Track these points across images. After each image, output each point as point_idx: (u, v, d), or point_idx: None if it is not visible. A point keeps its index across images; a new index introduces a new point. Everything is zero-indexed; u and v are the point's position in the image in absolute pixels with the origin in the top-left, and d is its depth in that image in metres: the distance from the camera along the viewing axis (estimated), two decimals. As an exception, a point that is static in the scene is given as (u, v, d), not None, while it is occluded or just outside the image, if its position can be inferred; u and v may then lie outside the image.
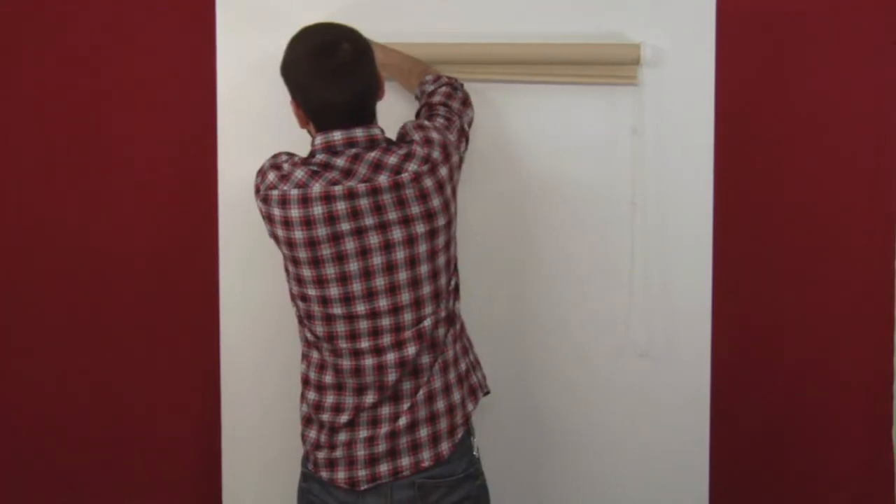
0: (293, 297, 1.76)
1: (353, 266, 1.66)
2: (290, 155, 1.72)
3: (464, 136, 1.83)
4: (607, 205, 2.08)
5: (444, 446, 1.72)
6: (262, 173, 1.70)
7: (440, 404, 1.72)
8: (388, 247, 1.66)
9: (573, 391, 2.11)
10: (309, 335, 1.76)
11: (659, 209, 2.08)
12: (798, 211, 2.32)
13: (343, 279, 1.66)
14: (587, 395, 2.11)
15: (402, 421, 1.71)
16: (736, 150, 2.23)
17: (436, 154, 1.68)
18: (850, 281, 2.34)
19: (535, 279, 2.13)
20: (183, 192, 2.29)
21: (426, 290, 1.69)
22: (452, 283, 1.77)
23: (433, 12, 2.06)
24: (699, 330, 2.11)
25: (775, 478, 2.39)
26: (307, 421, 1.80)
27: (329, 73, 1.65)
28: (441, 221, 1.68)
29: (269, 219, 1.68)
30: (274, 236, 1.70)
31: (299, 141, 2.10)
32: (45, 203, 2.31)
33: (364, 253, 1.65)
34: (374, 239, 1.65)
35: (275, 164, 1.70)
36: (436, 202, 1.67)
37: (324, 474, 1.75)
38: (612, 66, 2.04)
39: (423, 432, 1.72)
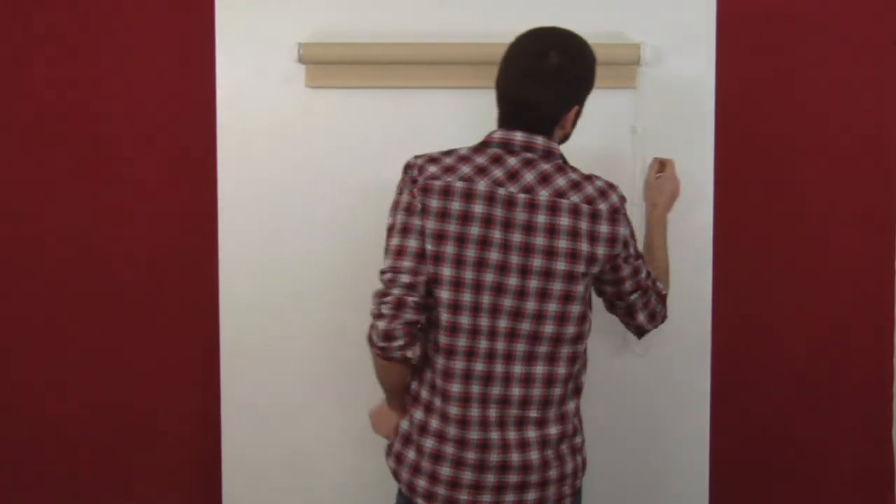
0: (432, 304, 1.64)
1: (489, 277, 1.59)
2: (444, 152, 1.66)
3: (631, 288, 1.72)
4: (607, 205, 2.08)
5: None
6: (415, 166, 1.64)
7: (553, 472, 1.66)
8: (524, 271, 1.59)
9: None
10: (430, 347, 1.66)
11: (659, 209, 2.07)
12: (798, 211, 2.32)
13: (478, 288, 1.60)
14: (587, 394, 2.10)
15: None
16: (736, 150, 2.23)
17: (602, 206, 1.62)
18: (850, 281, 2.34)
19: (535, 279, 2.13)
20: (183, 193, 2.29)
21: (548, 329, 1.62)
22: (581, 347, 1.67)
23: (432, 13, 2.06)
24: (699, 329, 2.11)
25: (775, 477, 2.39)
26: (405, 440, 1.70)
27: (536, 70, 1.61)
28: (581, 269, 1.60)
29: (423, 210, 1.60)
30: (420, 231, 1.61)
31: (299, 141, 2.10)
32: (46, 204, 2.31)
33: (503, 269, 1.59)
34: (515, 258, 1.59)
35: (432, 157, 1.65)
36: (583, 247, 1.60)
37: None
38: (611, 66, 2.04)
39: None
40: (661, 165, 2.00)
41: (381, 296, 1.62)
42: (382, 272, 1.63)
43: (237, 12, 2.07)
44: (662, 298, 1.79)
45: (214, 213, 2.11)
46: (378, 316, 1.61)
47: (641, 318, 1.76)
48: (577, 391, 1.71)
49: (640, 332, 1.81)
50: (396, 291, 1.60)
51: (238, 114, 2.08)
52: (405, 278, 1.60)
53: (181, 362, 2.34)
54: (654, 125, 2.07)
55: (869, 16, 2.28)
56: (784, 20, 2.27)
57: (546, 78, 1.62)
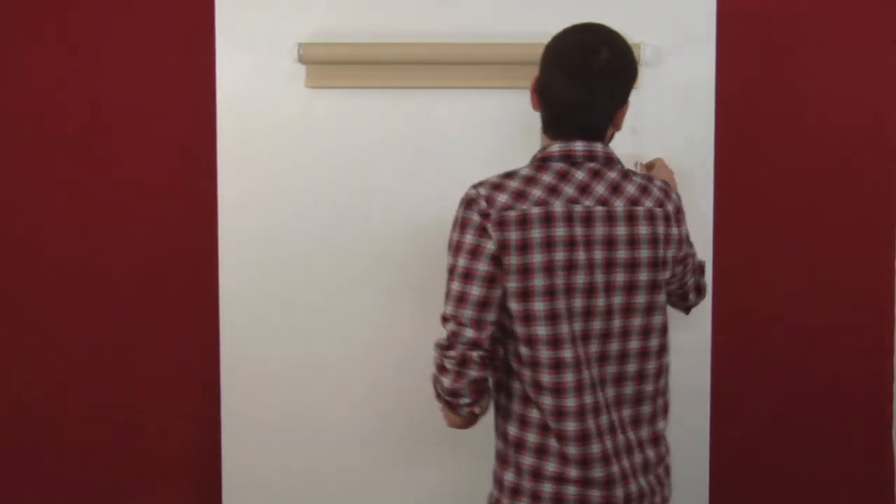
0: (509, 341, 1.56)
1: (578, 302, 1.51)
2: (504, 175, 1.56)
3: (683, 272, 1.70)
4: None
5: None
6: (481, 199, 1.52)
7: (657, 498, 1.61)
8: (608, 289, 1.52)
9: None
10: (530, 388, 1.55)
11: (659, 209, 2.07)
12: (798, 211, 2.32)
13: (570, 316, 1.51)
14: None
15: None
16: (736, 150, 2.23)
17: (670, 208, 1.59)
18: (850, 281, 2.34)
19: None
20: (183, 193, 2.29)
21: (633, 345, 1.56)
22: (666, 361, 1.61)
23: (432, 13, 2.06)
24: (699, 329, 2.11)
25: (775, 477, 2.39)
26: (514, 492, 1.58)
27: (588, 69, 1.53)
28: (662, 276, 1.56)
29: (501, 245, 1.50)
30: (505, 267, 1.50)
31: (299, 141, 2.10)
32: (46, 204, 2.31)
33: (590, 291, 1.51)
34: (599, 277, 1.51)
35: (495, 184, 1.53)
36: (661, 253, 1.55)
37: None
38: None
39: None
40: (650, 167, 2.00)
41: (443, 349, 1.55)
42: (444, 319, 1.55)
43: (237, 12, 2.07)
44: (703, 269, 1.82)
45: (214, 213, 2.11)
46: (442, 370, 1.55)
47: (692, 297, 1.78)
48: (666, 409, 1.64)
49: (689, 309, 1.83)
50: (460, 348, 1.52)
51: (238, 114, 2.08)
52: (468, 333, 1.51)
53: (181, 362, 2.34)
54: (654, 125, 2.07)
55: (869, 16, 2.28)
56: (784, 20, 2.27)
57: (599, 76, 1.53)
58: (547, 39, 2.05)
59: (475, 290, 1.51)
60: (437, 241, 2.12)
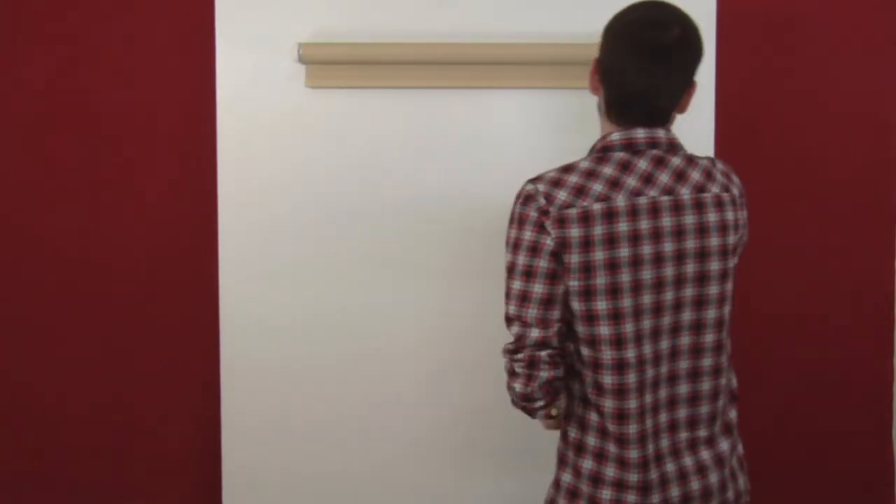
0: (574, 342, 1.51)
1: (647, 299, 1.45)
2: (562, 170, 1.49)
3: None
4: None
5: None
6: (539, 195, 1.46)
7: (730, 493, 1.56)
8: (679, 281, 1.46)
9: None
10: (590, 390, 1.50)
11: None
12: (798, 210, 2.32)
13: (637, 314, 1.45)
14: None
15: None
16: (736, 150, 2.23)
17: (735, 191, 1.53)
18: (850, 281, 2.34)
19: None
20: (183, 192, 2.29)
21: (708, 339, 1.50)
22: (725, 360, 1.56)
23: (432, 13, 2.06)
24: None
25: (775, 476, 2.39)
26: (572, 495, 1.54)
27: (659, 47, 1.44)
28: (732, 263, 1.50)
29: (561, 243, 1.44)
30: (566, 265, 1.45)
31: (299, 141, 2.10)
32: (45, 204, 2.31)
33: (659, 286, 1.45)
34: (669, 270, 1.45)
35: (554, 180, 1.47)
36: (731, 240, 1.49)
37: None
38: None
39: None
40: None
41: (511, 353, 1.50)
42: (508, 320, 1.50)
43: (237, 12, 2.07)
44: None
45: (214, 213, 2.11)
46: (512, 375, 1.51)
47: None
48: (734, 398, 1.60)
49: None
50: (528, 350, 1.47)
51: (238, 114, 2.08)
52: (535, 332, 1.47)
53: (181, 362, 2.34)
54: (654, 125, 2.07)
55: (869, 16, 2.28)
56: (784, 20, 2.27)
57: (672, 54, 1.45)
58: (547, 39, 2.06)
59: (538, 288, 1.46)
60: (437, 240, 2.13)
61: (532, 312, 1.46)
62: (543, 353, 1.47)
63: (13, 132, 2.30)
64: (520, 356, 1.48)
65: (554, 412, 1.53)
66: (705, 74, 2.07)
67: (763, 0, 2.26)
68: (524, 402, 1.51)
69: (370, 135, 2.10)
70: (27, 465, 2.37)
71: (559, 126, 2.08)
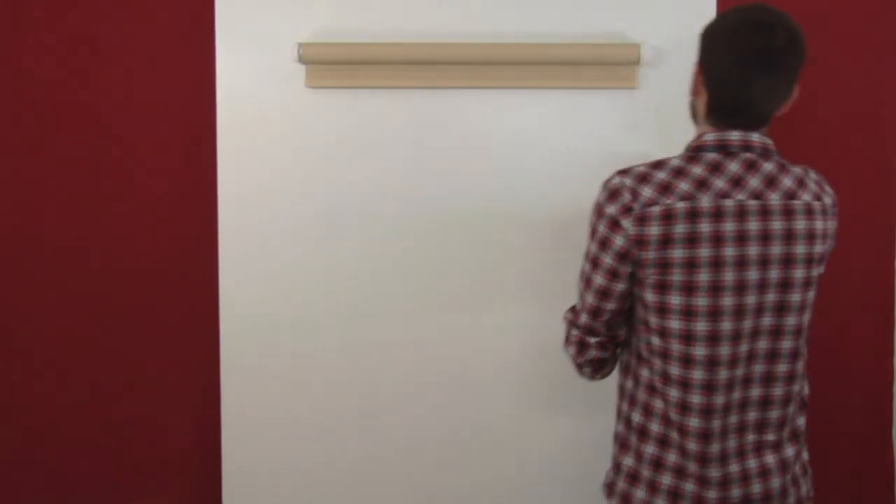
0: (641, 329, 1.53)
1: (728, 300, 1.45)
2: (652, 165, 1.49)
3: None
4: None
5: None
6: (625, 190, 1.47)
7: (791, 499, 1.56)
8: (762, 286, 1.46)
9: (576, 391, 2.10)
10: (657, 379, 1.52)
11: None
12: (798, 211, 2.32)
13: (715, 315, 1.45)
14: (592, 396, 2.11)
15: None
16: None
17: (828, 201, 1.52)
18: (850, 281, 2.34)
19: (535, 278, 2.13)
20: (183, 192, 2.29)
21: (786, 345, 1.49)
22: (801, 367, 1.54)
23: (432, 13, 2.06)
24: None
25: (775, 478, 2.38)
26: (632, 478, 1.56)
27: (767, 52, 1.44)
28: (816, 272, 1.50)
29: (637, 241, 1.46)
30: (641, 262, 1.47)
31: (299, 141, 2.10)
32: (45, 204, 2.31)
33: (741, 289, 1.45)
34: (753, 274, 1.45)
35: (641, 175, 1.47)
36: (818, 249, 1.49)
37: None
38: (611, 66, 2.04)
39: None
40: None
41: (569, 322, 1.61)
42: (579, 295, 1.58)
43: (237, 12, 2.07)
44: None
45: (214, 213, 2.11)
46: (567, 341, 1.62)
47: None
48: (804, 405, 1.59)
49: None
50: (578, 331, 1.58)
51: (238, 114, 2.09)
52: (584, 319, 1.56)
53: (181, 362, 2.34)
54: (654, 125, 2.07)
55: (869, 16, 2.28)
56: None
57: (778, 58, 1.44)
58: (547, 39, 2.06)
59: (598, 279, 1.52)
60: (437, 240, 2.13)
61: (589, 299, 1.54)
62: (592, 340, 1.57)
63: (13, 132, 2.30)
64: (573, 332, 1.59)
65: (600, 377, 1.64)
66: (705, 74, 2.07)
67: (762, 0, 2.26)
68: (575, 366, 1.63)
69: (370, 135, 2.10)
70: (27, 465, 2.37)
71: (559, 126, 2.09)
